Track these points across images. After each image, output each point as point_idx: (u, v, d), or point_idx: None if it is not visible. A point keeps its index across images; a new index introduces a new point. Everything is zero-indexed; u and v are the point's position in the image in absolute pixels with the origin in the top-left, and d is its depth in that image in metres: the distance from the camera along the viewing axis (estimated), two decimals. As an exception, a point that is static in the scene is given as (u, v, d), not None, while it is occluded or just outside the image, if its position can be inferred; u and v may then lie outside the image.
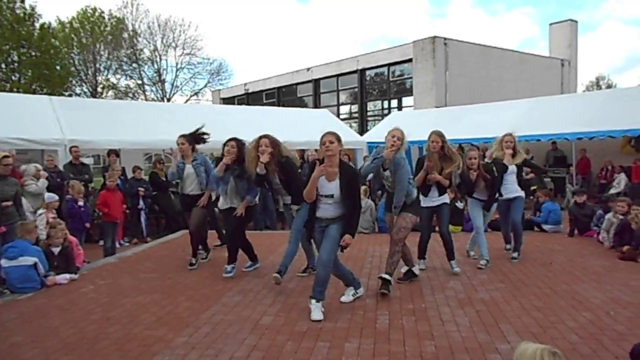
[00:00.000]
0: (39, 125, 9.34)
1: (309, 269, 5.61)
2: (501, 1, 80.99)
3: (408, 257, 5.29)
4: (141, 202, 9.43)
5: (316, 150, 10.13)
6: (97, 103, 15.06)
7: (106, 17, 33.44)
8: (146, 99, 34.38)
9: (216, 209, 6.42)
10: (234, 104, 29.20)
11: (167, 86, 36.18)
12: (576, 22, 25.37)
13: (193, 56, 36.02)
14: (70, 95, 28.43)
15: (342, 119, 21.16)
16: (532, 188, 10.33)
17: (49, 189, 7.73)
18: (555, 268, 5.82)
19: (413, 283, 5.30)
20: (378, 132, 13.52)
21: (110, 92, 34.82)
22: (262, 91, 29.45)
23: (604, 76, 51.52)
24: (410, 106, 21.51)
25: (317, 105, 25.36)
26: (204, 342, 3.76)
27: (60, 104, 10.57)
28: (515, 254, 6.24)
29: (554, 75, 24.12)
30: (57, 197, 7.38)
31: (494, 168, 6.02)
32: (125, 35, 33.73)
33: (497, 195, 6.10)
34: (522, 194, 6.26)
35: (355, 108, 24.86)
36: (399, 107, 22.72)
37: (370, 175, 5.65)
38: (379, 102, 24.27)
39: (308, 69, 26.13)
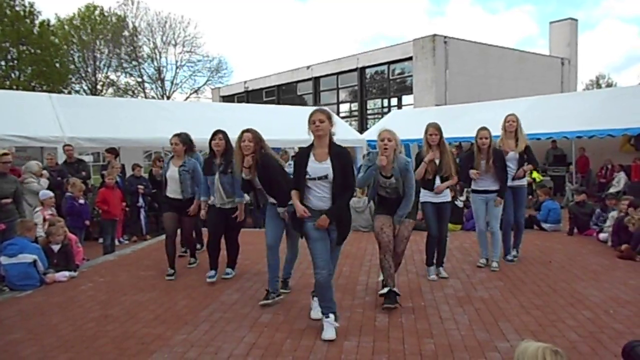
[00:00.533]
0: (38, 122, 9.32)
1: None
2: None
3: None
4: (141, 200, 9.41)
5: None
6: (96, 100, 15.06)
7: (107, 15, 33.46)
8: (146, 97, 34.39)
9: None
10: (233, 101, 29.12)
11: (167, 84, 36.36)
12: (576, 20, 25.31)
13: (193, 54, 36.20)
14: (69, 93, 28.45)
15: (342, 117, 21.10)
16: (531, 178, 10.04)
17: (50, 187, 7.71)
18: (554, 266, 5.82)
19: (412, 282, 5.29)
20: (378, 131, 13.47)
21: (110, 90, 34.94)
22: (261, 89, 29.41)
23: (604, 75, 51.56)
24: (410, 104, 21.49)
25: (317, 103, 25.31)
26: (203, 340, 3.76)
27: (60, 102, 10.53)
28: (514, 252, 6.14)
29: (554, 73, 24.08)
30: (52, 194, 7.30)
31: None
32: (126, 32, 33.72)
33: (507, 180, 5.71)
34: (524, 183, 6.02)
35: (355, 106, 24.83)
36: (399, 106, 22.71)
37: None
38: (379, 100, 24.25)
39: (308, 67, 26.08)
